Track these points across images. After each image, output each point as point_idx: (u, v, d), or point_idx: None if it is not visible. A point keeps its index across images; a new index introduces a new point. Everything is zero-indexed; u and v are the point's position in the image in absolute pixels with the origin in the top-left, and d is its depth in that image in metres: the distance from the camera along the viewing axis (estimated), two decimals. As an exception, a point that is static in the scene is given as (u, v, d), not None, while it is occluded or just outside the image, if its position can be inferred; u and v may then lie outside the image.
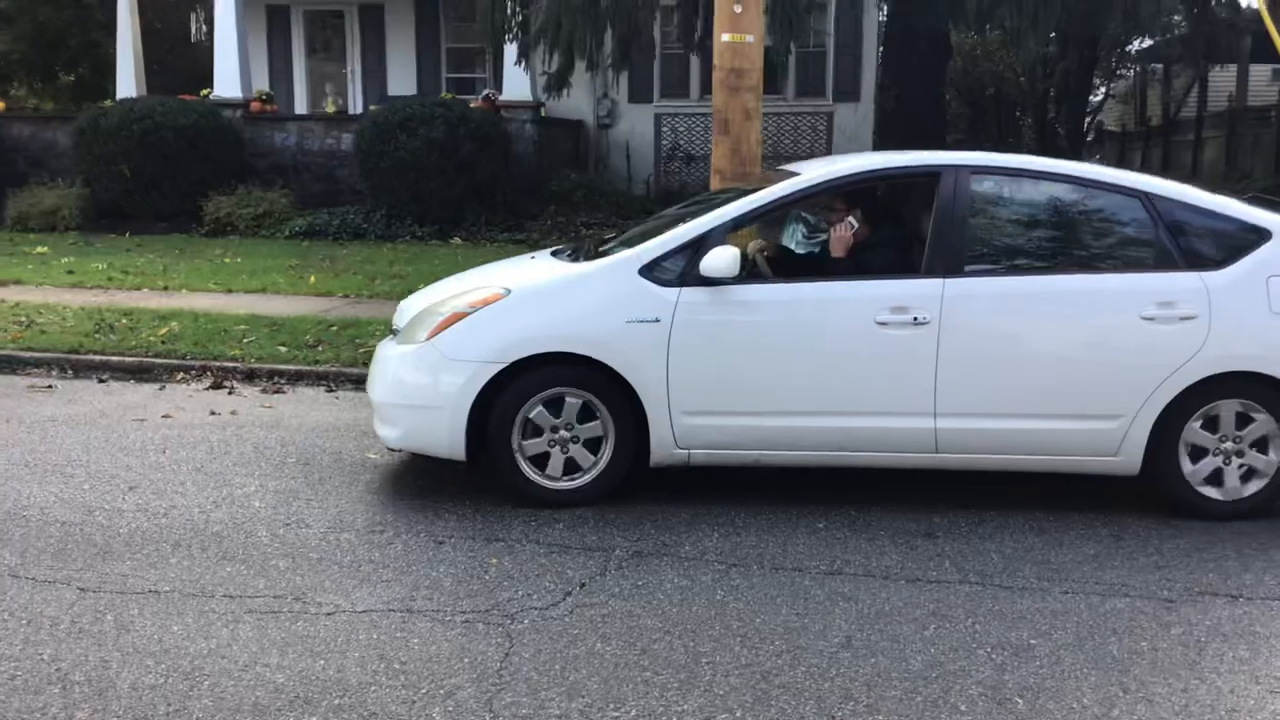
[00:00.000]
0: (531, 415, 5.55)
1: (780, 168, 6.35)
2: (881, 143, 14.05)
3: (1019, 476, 5.79)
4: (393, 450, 5.98)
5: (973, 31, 17.14)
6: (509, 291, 5.69)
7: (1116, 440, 5.58)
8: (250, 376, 8.23)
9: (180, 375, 8.27)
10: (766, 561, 4.98)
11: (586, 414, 5.60)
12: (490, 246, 14.53)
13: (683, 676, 3.89)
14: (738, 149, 8.32)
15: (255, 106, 17.29)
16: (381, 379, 5.80)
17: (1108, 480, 5.77)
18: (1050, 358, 5.56)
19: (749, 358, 5.58)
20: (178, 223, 15.65)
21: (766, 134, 19.08)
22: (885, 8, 17.33)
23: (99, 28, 27.12)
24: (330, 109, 19.26)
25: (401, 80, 19.75)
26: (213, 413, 7.30)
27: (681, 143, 18.57)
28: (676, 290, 5.54)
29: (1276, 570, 4.98)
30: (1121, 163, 22.82)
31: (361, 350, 8.64)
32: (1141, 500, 5.74)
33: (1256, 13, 12.75)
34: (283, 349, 8.74)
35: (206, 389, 8.00)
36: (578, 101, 18.28)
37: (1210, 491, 5.64)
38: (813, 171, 5.96)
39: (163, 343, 8.80)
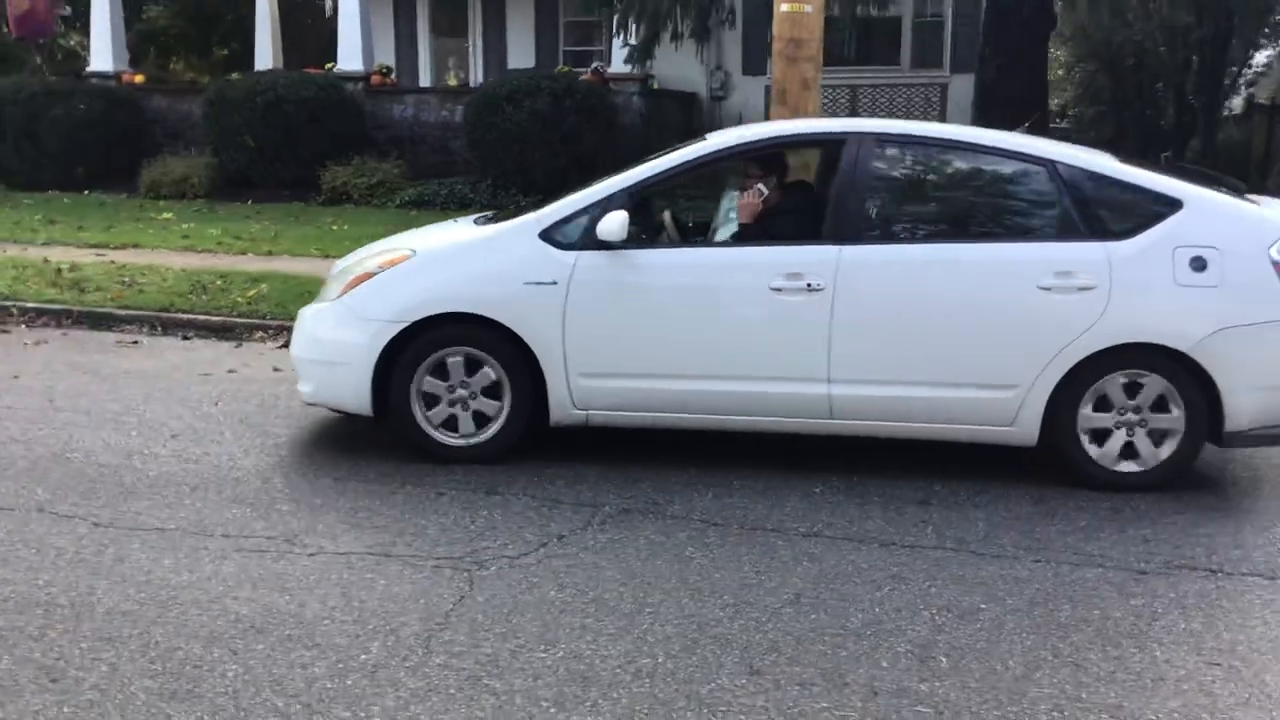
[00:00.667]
0: (431, 374, 5.72)
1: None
2: (981, 115, 13.80)
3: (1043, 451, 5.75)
4: (310, 405, 6.17)
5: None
6: (415, 253, 5.89)
7: (1013, 410, 5.54)
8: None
9: (259, 334, 8.73)
10: (748, 522, 5.09)
11: (487, 373, 5.74)
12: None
13: (622, 624, 4.04)
14: (795, 119, 8.34)
15: (375, 80, 17.85)
16: (298, 335, 6.05)
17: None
18: (945, 326, 5.52)
19: (644, 322, 5.66)
20: (299, 191, 16.30)
21: (878, 106, 18.88)
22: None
23: (248, 4, 28.27)
24: (452, 83, 19.73)
25: (521, 54, 20.13)
26: (275, 369, 7.70)
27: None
28: (575, 254, 5.64)
29: (1268, 548, 4.88)
30: (1270, 138, 21.72)
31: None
32: (1153, 475, 5.65)
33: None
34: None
35: (279, 347, 8.43)
36: (689, 73, 18.37)
37: (1116, 464, 5.57)
38: (719, 137, 6.01)
39: (248, 303, 9.28)
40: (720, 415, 5.75)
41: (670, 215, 6.38)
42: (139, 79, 19.12)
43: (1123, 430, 5.55)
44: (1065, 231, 5.60)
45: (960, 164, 5.98)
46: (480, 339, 5.69)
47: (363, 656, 3.75)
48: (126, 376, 7.42)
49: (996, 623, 4.12)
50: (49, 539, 4.67)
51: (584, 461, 5.82)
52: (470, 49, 20.90)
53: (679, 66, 17.16)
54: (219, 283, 10.02)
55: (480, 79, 20.22)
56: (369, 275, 5.84)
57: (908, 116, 18.52)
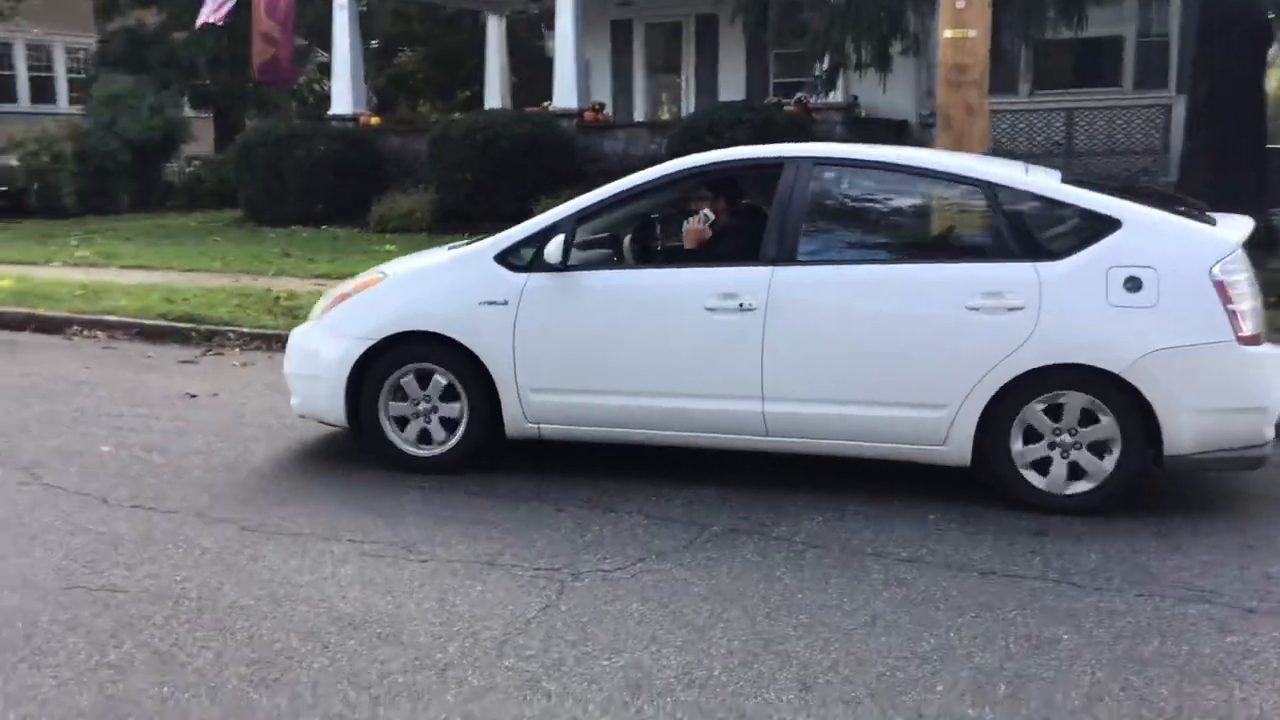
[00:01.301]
0: (401, 385, 6.12)
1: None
2: (1190, 139, 13.14)
3: (1186, 479, 5.54)
4: (301, 417, 6.61)
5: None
6: (385, 276, 6.38)
7: (943, 429, 5.54)
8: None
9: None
10: (850, 546, 5.12)
11: (448, 388, 6.09)
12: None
13: (691, 637, 4.17)
14: (959, 145, 8.26)
15: (589, 116, 18.49)
16: (289, 352, 6.55)
17: None
18: (875, 346, 5.58)
19: (587, 340, 5.92)
20: (514, 223, 16.96)
21: (1096, 130, 18.21)
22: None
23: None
24: (665, 117, 20.22)
25: (731, 87, 20.42)
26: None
27: (1003, 140, 18.06)
28: (525, 276, 5.95)
29: (1404, 591, 4.57)
30: None
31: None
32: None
33: None
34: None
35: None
36: (899, 101, 18.22)
37: (1033, 478, 5.51)
38: (669, 164, 6.21)
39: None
40: (662, 431, 5.94)
41: (630, 238, 6.55)
42: (375, 121, 20.40)
43: (1056, 450, 5.47)
44: (997, 252, 5.58)
45: (896, 186, 6.04)
46: (440, 356, 6.06)
47: (438, 655, 4.02)
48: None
49: (1073, 654, 4.03)
50: (198, 539, 5.16)
51: (703, 484, 5.96)
52: (683, 84, 21.36)
53: (889, 94, 17.04)
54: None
55: (691, 113, 20.61)
56: (345, 296, 6.39)
57: (1127, 140, 17.81)
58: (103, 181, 22.53)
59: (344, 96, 20.16)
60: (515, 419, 6.06)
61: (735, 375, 5.73)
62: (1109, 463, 5.41)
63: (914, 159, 6.12)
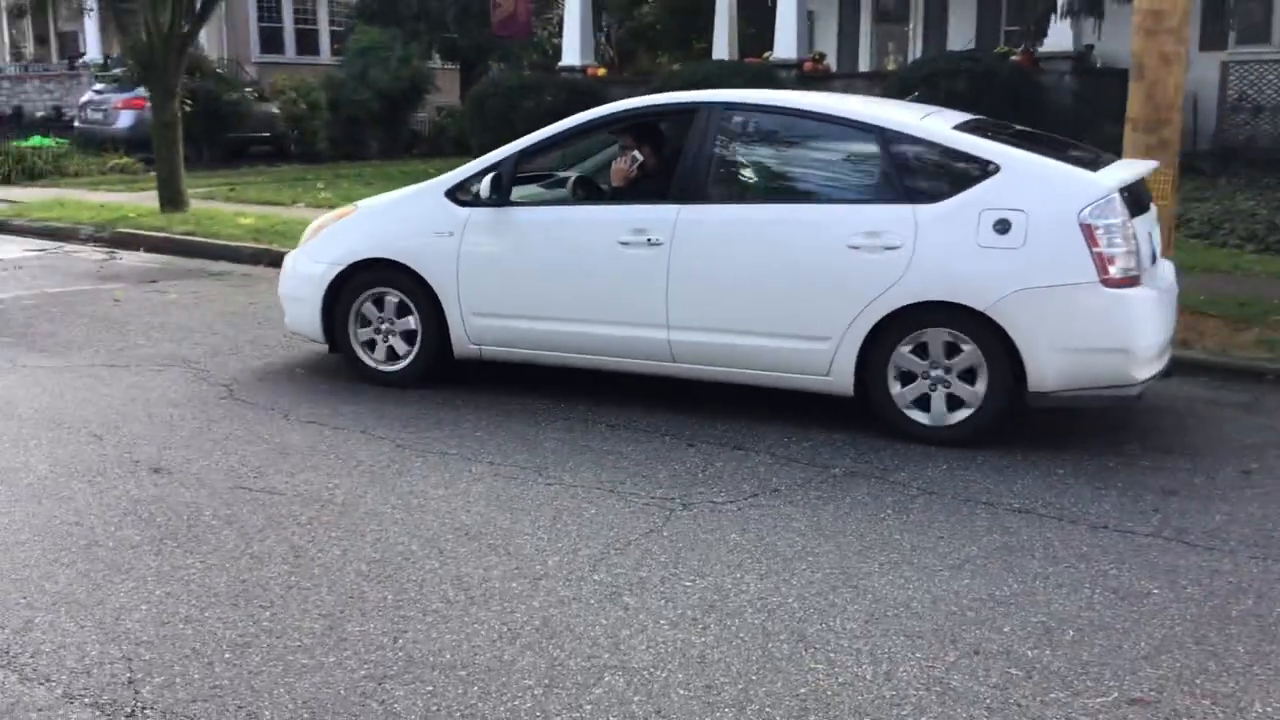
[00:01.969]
0: (363, 309, 6.85)
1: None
2: None
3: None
4: (293, 334, 7.44)
5: None
6: (357, 208, 7.15)
7: (827, 361, 5.90)
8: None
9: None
10: (965, 494, 5.16)
11: (404, 309, 6.78)
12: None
13: (776, 567, 4.35)
14: (1152, 95, 7.95)
15: (809, 66, 18.40)
16: (282, 276, 7.32)
17: None
18: (767, 281, 5.95)
19: (518, 269, 6.50)
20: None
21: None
22: None
23: (720, -2, 29.71)
24: (891, 67, 19.88)
25: (961, 36, 19.85)
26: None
27: (1249, 92, 16.94)
28: (468, 210, 6.57)
29: None
30: None
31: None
32: None
33: None
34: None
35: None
36: (1137, 50, 17.32)
37: (918, 415, 5.82)
38: (596, 110, 6.73)
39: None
40: (584, 355, 6.50)
41: (574, 178, 7.04)
42: (601, 72, 20.90)
43: (927, 382, 5.77)
44: (881, 194, 5.92)
45: (796, 130, 6.41)
46: (399, 281, 6.74)
47: (537, 566, 4.34)
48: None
49: (1157, 609, 4.01)
50: (356, 453, 5.65)
51: (835, 428, 6.07)
52: (910, 33, 20.89)
53: (1041, 42, 16.30)
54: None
55: (910, 63, 20.18)
56: (324, 226, 7.17)
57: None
58: (354, 129, 23.91)
59: (573, 49, 20.72)
60: (460, 340, 6.71)
61: (644, 305, 6.21)
62: (981, 387, 5.68)
63: (815, 104, 6.48)
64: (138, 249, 12.77)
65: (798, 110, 6.38)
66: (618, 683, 3.51)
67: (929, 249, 5.65)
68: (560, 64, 21.03)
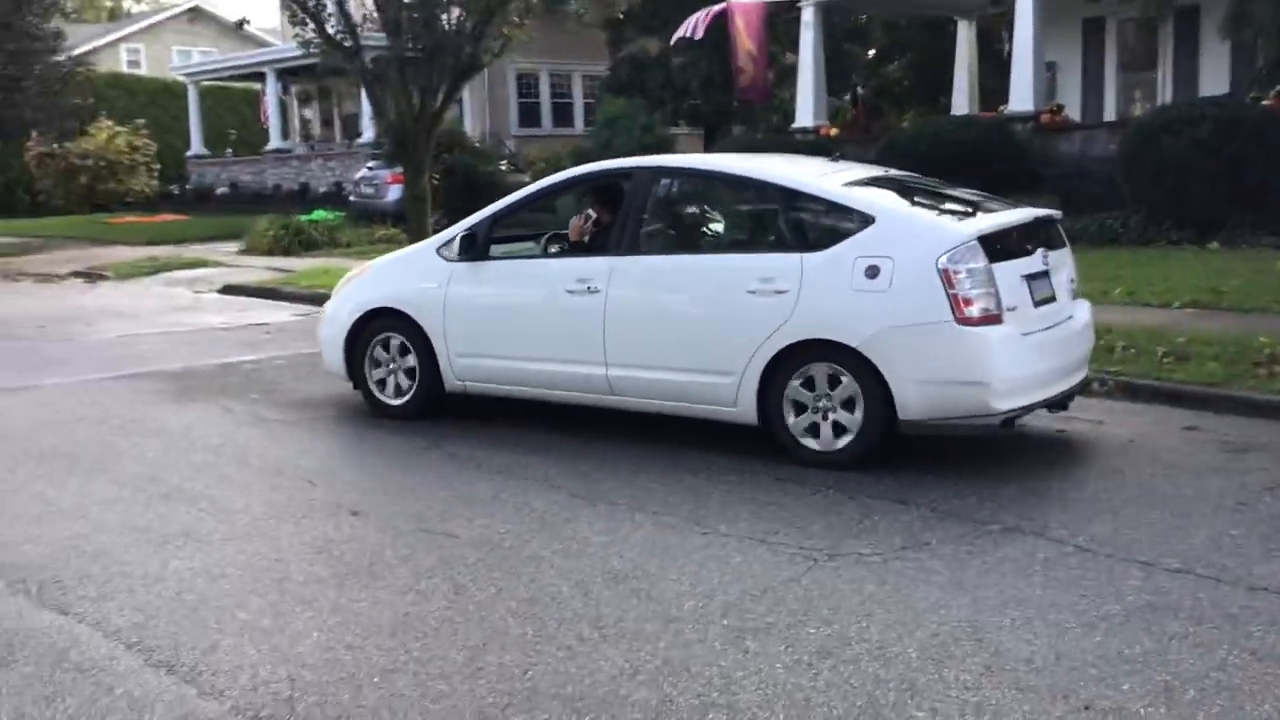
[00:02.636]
0: (375, 351, 7.90)
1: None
2: None
3: None
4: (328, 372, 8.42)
5: None
6: (372, 265, 8.52)
7: (733, 394, 6.62)
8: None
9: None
10: (1124, 552, 5.06)
11: (405, 350, 7.78)
12: (1249, 252, 13.78)
13: (905, 618, 4.42)
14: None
15: (1046, 118, 18.02)
16: (320, 320, 8.51)
17: None
18: (683, 322, 6.83)
19: (489, 315, 7.51)
20: (955, 230, 17.00)
21: None
22: None
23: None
24: (1138, 114, 19.20)
25: (1214, 82, 19.00)
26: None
27: None
28: (451, 264, 7.57)
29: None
30: None
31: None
32: None
33: None
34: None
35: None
36: None
37: (810, 442, 6.47)
38: (554, 177, 8.04)
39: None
40: (545, 389, 7.39)
41: (550, 234, 8.14)
42: (833, 132, 21.07)
43: (817, 414, 6.42)
44: (777, 245, 6.84)
45: (713, 190, 7.62)
46: (401, 327, 7.78)
47: (673, 610, 4.57)
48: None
49: (1294, 672, 3.87)
50: (532, 502, 6.03)
51: (1007, 481, 6.05)
52: (1158, 80, 20.14)
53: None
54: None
55: (1148, 111, 19.43)
56: (349, 280, 8.43)
57: None
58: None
59: (806, 110, 21.01)
60: (448, 377, 7.68)
61: (587, 345, 7.06)
62: (859, 415, 6.30)
63: (728, 166, 7.57)
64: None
65: (713, 173, 7.55)
66: (720, 719, 3.69)
67: (812, 292, 6.35)
68: (794, 125, 21.33)
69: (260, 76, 34.90)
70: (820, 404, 6.41)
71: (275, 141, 34.65)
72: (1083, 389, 7.12)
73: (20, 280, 19.11)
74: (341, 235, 22.15)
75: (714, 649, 4.21)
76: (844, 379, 6.32)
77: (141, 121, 36.08)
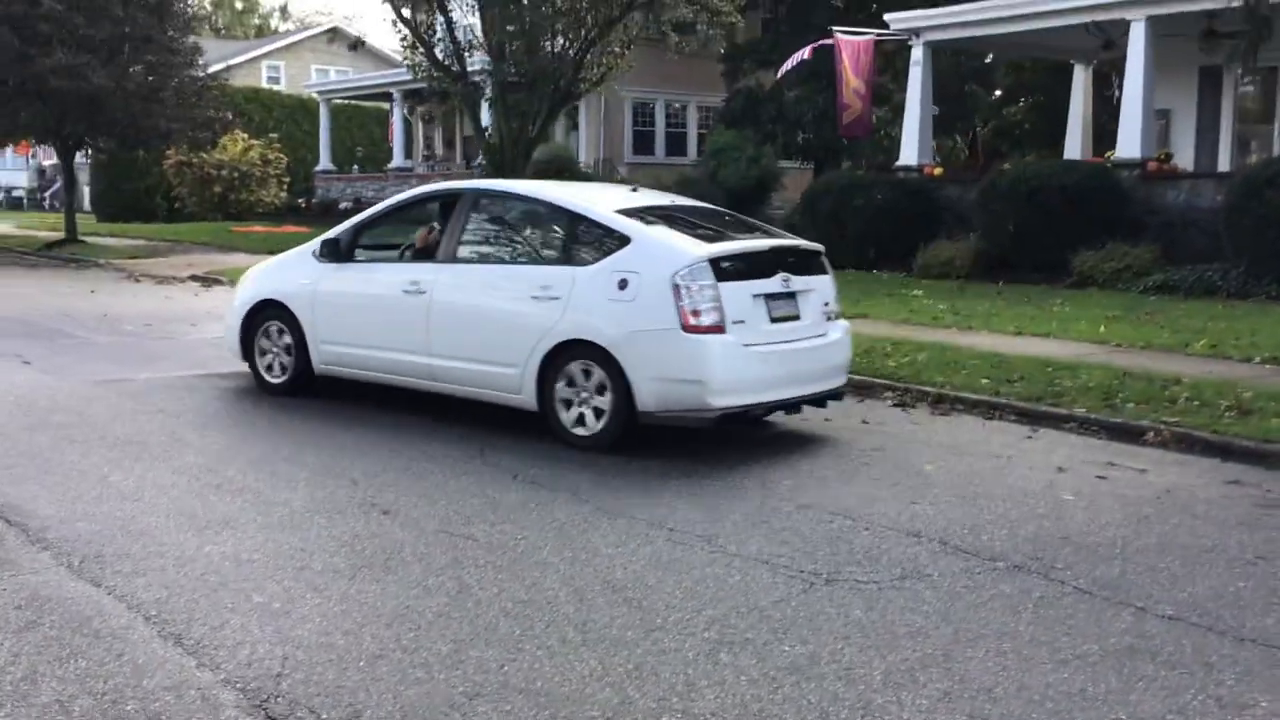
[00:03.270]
0: (261, 338, 9.37)
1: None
2: None
3: None
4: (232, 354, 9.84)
5: None
6: (267, 263, 10.07)
7: (519, 383, 7.86)
8: (934, 399, 9.41)
9: (886, 394, 9.73)
10: (1120, 595, 5.07)
11: (283, 336, 9.23)
12: (1352, 308, 13.39)
13: (879, 641, 4.52)
14: None
15: (1152, 167, 17.70)
16: (226, 316, 9.98)
17: None
18: (484, 320, 8.11)
19: (345, 310, 8.89)
20: (1050, 274, 16.80)
21: None
22: None
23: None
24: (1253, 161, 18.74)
25: (1334, 132, 18.49)
26: (863, 421, 8.70)
27: None
28: (321, 265, 9.06)
29: None
30: None
31: (1053, 388, 9.26)
32: None
33: None
34: (984, 381, 9.70)
35: (890, 405, 9.39)
36: None
37: (577, 430, 7.65)
38: (401, 194, 9.62)
39: (896, 366, 10.33)
40: (387, 374, 8.73)
41: (408, 243, 9.30)
42: (937, 172, 20.95)
43: (581, 405, 7.63)
44: (558, 259, 8.05)
45: (518, 210, 8.78)
46: (282, 316, 9.23)
47: (656, 620, 4.72)
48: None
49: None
50: (555, 512, 6.22)
51: (1028, 521, 6.06)
52: (1275, 132, 19.63)
53: None
54: (888, 349, 11.17)
55: (1252, 164, 18.93)
56: (249, 275, 9.99)
57: None
58: (701, 225, 25.12)
59: (911, 148, 20.94)
60: (316, 361, 9.11)
61: (416, 337, 8.38)
62: (609, 406, 7.46)
63: (531, 191, 8.83)
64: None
65: (519, 195, 8.86)
66: (671, 723, 3.85)
67: (578, 300, 7.59)
68: (898, 163, 21.28)
69: (388, 96, 36.02)
70: (582, 395, 7.61)
71: (398, 160, 35.69)
72: (837, 396, 8.29)
73: (141, 281, 20.03)
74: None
75: (686, 658, 4.36)
76: (598, 374, 7.49)
77: (275, 135, 37.51)
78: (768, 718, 3.90)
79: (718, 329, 7.27)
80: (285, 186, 37.32)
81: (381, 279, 8.86)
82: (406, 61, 16.52)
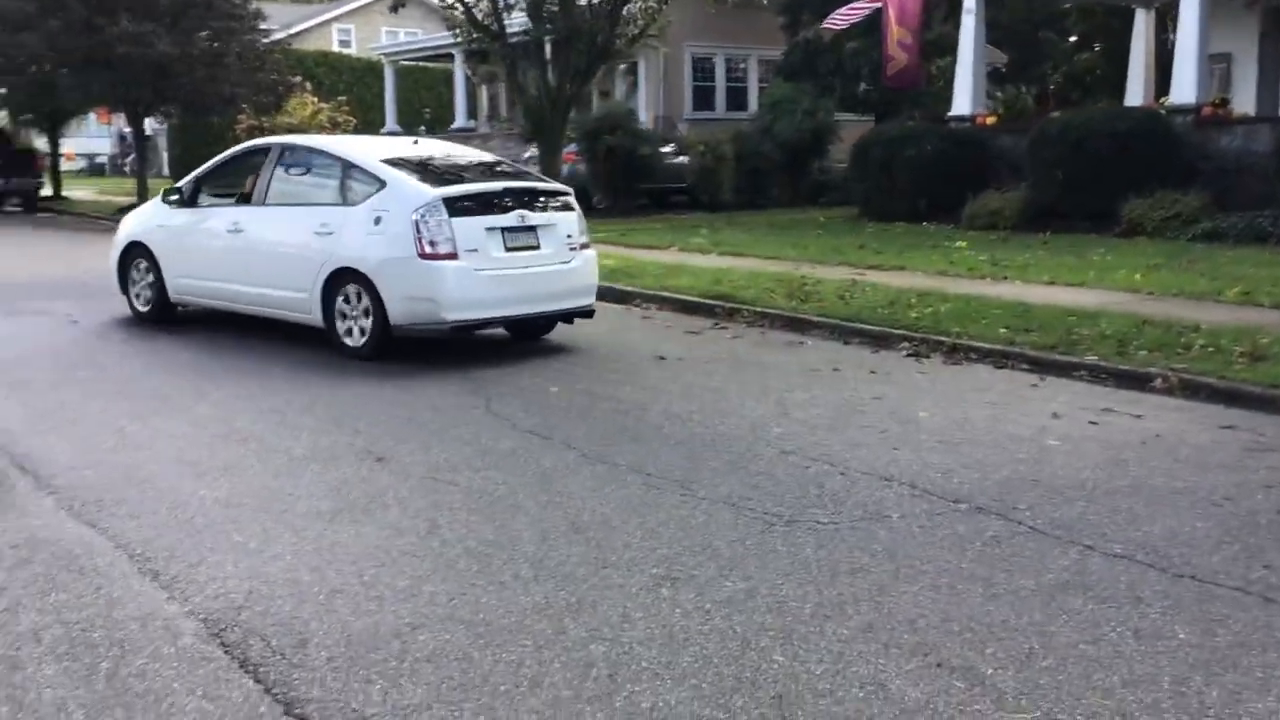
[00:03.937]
0: (131, 272, 11.33)
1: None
2: None
3: None
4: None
5: None
6: (141, 209, 12.05)
7: (309, 306, 9.52)
8: (948, 349, 9.44)
9: (902, 344, 9.77)
10: (1073, 534, 5.15)
11: (147, 272, 11.15)
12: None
13: (819, 577, 4.66)
14: None
15: (1207, 112, 17.33)
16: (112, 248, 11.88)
17: None
18: (282, 253, 9.81)
19: (186, 247, 10.74)
20: (1099, 223, 16.58)
21: None
22: None
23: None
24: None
25: (1400, 72, 17.91)
26: (871, 371, 8.77)
27: None
28: (172, 210, 10.97)
29: None
30: None
31: (1071, 337, 9.23)
32: None
33: None
34: (1002, 331, 9.68)
35: (905, 355, 9.44)
36: None
37: (349, 340, 9.33)
38: (236, 148, 11.74)
39: (917, 318, 10.35)
40: (223, 302, 10.48)
41: (243, 191, 10.67)
42: (990, 120, 20.69)
43: (352, 320, 9.31)
44: (336, 200, 9.70)
45: (310, 160, 10.25)
46: (145, 254, 11.14)
47: (611, 557, 4.91)
48: (758, 366, 9.05)
49: (1166, 650, 3.97)
50: (542, 460, 6.42)
51: (1008, 467, 6.13)
52: (1339, 72, 19.07)
53: None
54: (914, 300, 11.16)
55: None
56: (128, 218, 11.91)
57: None
58: (756, 179, 25.09)
59: (963, 98, 20.71)
60: (171, 292, 10.94)
61: (237, 269, 10.15)
62: (370, 321, 9.17)
63: (323, 144, 10.55)
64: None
65: (309, 148, 10.46)
66: (597, 649, 4.04)
67: (347, 234, 9.30)
68: (950, 113, 21.05)
69: (451, 58, 36.28)
70: (352, 313, 9.28)
71: (460, 120, 36.02)
72: (586, 314, 9.97)
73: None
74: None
75: (628, 593, 4.54)
76: (364, 296, 9.12)
77: (344, 98, 37.99)
78: (690, 645, 4.07)
79: (451, 256, 8.90)
80: (353, 149, 37.72)
81: (213, 222, 10.62)
82: (448, 22, 16.70)
